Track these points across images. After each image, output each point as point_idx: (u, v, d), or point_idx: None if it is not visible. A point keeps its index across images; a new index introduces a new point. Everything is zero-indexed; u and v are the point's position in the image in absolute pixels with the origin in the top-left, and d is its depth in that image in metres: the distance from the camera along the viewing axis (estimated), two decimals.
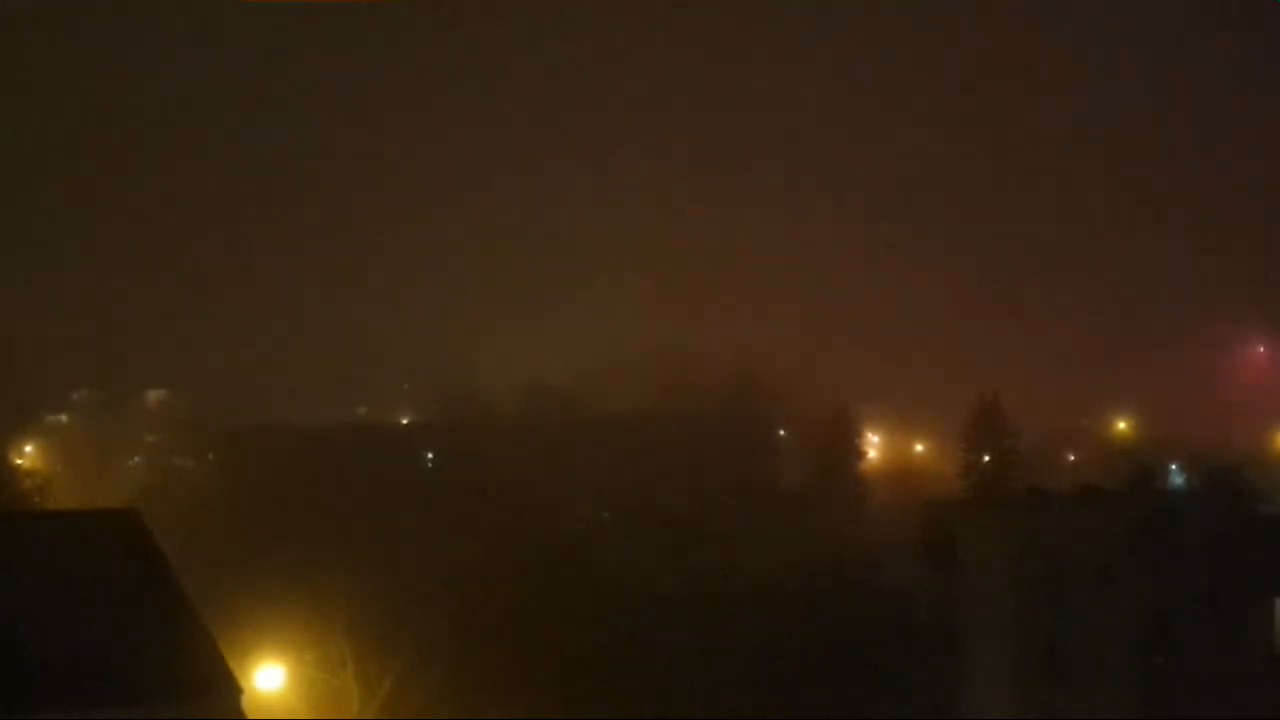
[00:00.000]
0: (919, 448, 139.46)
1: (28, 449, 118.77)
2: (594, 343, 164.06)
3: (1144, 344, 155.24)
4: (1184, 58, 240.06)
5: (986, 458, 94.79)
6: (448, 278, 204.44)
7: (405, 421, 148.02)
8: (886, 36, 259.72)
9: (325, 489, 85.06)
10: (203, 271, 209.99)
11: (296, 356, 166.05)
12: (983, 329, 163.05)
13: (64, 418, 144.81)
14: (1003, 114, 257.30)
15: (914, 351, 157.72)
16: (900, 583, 62.58)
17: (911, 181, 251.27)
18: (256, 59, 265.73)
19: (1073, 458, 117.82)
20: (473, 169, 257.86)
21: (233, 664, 29.47)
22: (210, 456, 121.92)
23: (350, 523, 73.27)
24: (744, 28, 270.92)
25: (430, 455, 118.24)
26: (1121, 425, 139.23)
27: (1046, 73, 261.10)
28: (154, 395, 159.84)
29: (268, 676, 41.62)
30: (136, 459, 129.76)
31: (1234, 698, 47.61)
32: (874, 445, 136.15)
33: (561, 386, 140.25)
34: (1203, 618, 49.29)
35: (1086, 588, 49.96)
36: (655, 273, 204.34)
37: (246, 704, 28.91)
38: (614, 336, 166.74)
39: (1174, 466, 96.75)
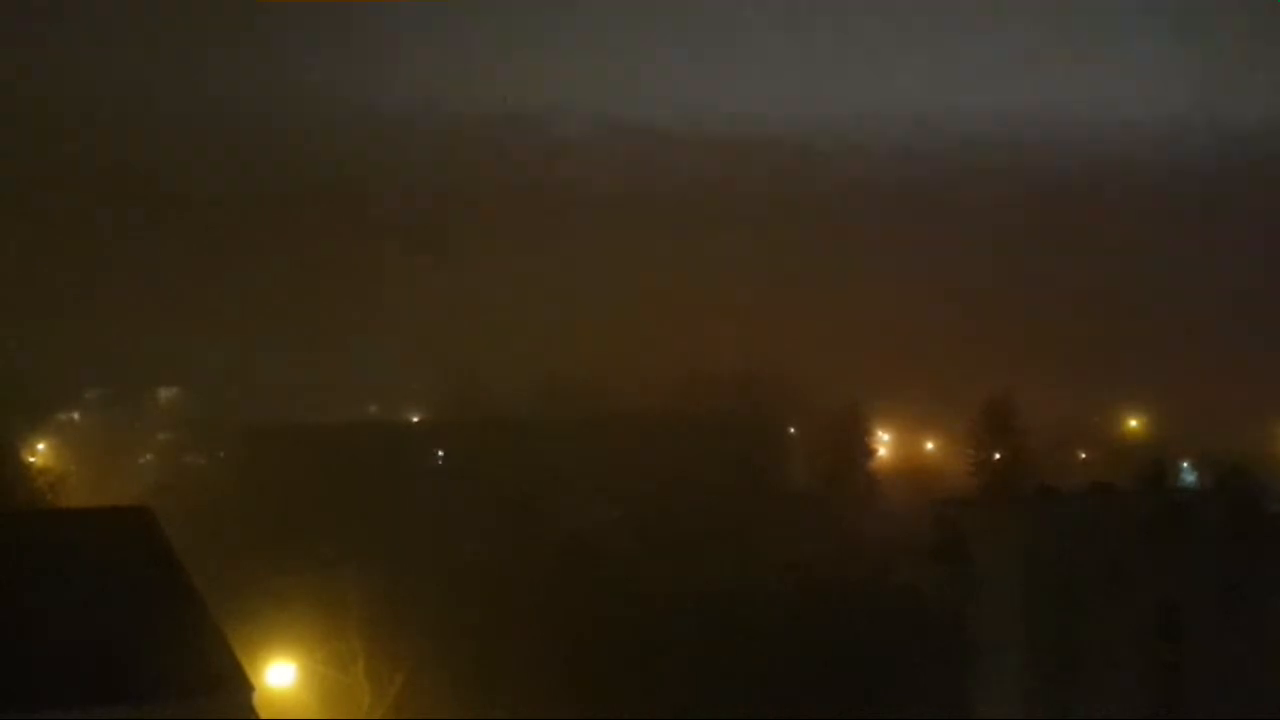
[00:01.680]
0: (929, 445, 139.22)
1: (40, 447, 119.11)
2: (604, 341, 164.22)
3: (1155, 341, 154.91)
4: (1193, 53, 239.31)
5: (997, 455, 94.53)
6: (458, 276, 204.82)
7: (416, 420, 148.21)
8: (891, 34, 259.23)
9: (336, 487, 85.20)
10: (214, 269, 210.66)
11: (307, 354, 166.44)
12: (993, 326, 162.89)
13: (76, 415, 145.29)
14: (1008, 111, 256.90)
15: (924, 349, 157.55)
16: (911, 581, 62.38)
17: (919, 179, 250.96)
18: (262, 57, 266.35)
19: (1084, 456, 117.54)
20: (481, 168, 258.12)
21: (244, 661, 29.52)
22: (221, 454, 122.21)
23: (361, 520, 73.38)
24: (748, 25, 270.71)
25: (441, 453, 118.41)
26: (1133, 423, 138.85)
27: (1054, 68, 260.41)
28: (166, 393, 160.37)
29: (279, 674, 41.71)
30: (148, 457, 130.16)
31: (1245, 694, 47.50)
32: (884, 443, 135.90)
33: (571, 385, 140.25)
34: (1214, 614, 49.20)
35: (1098, 585, 49.89)
36: (666, 271, 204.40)
37: (258, 701, 28.97)
38: (624, 335, 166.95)
39: (1185, 464, 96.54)
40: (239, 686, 27.65)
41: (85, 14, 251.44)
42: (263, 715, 29.59)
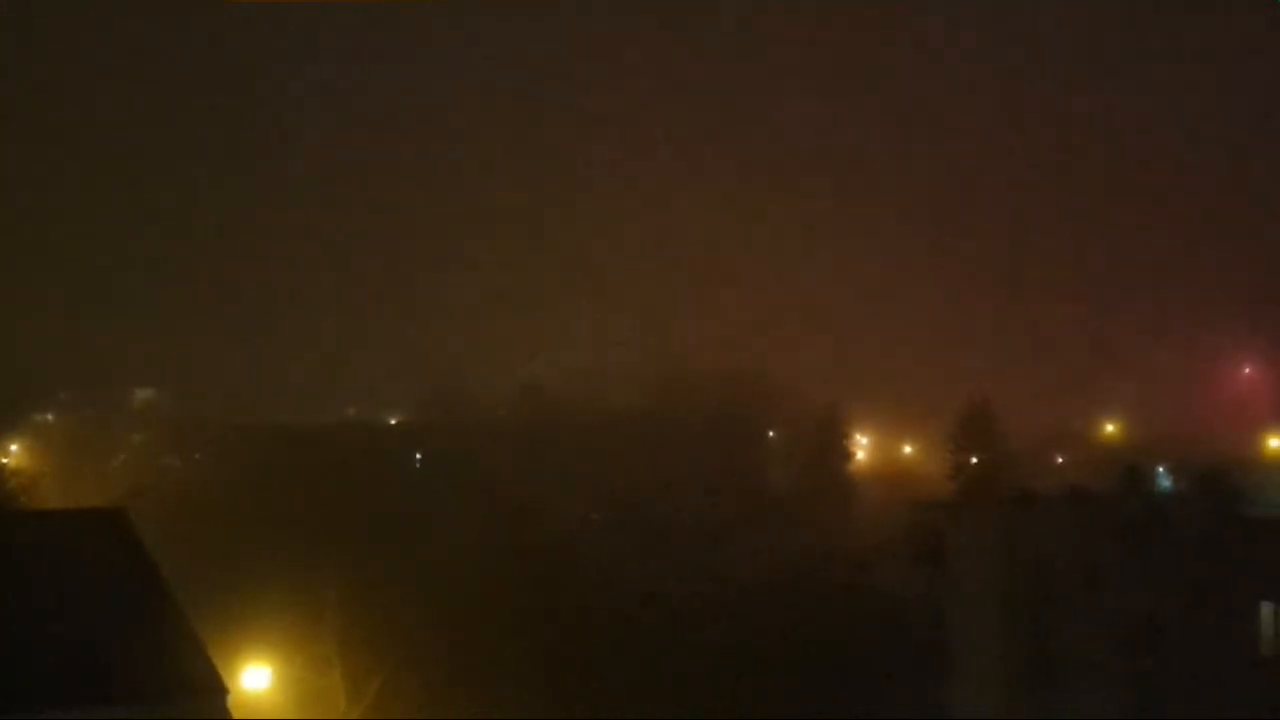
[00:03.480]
0: (908, 449, 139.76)
1: (13, 448, 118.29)
2: (584, 343, 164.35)
3: (1132, 346, 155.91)
4: (1178, 58, 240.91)
5: (975, 459, 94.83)
6: (438, 277, 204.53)
7: (394, 422, 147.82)
8: (877, 38, 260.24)
9: (313, 489, 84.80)
10: (190, 270, 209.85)
11: (284, 355, 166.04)
12: (972, 331, 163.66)
13: (50, 417, 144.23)
14: (992, 116, 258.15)
15: (903, 352, 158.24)
16: (889, 583, 62.56)
17: (901, 184, 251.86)
18: (245, 59, 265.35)
19: (1061, 460, 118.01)
20: (463, 170, 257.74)
21: (219, 664, 29.37)
22: (197, 456, 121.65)
23: (338, 523, 73.01)
24: (736, 32, 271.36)
25: (419, 456, 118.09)
26: (1110, 428, 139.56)
27: (1039, 76, 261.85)
28: (141, 394, 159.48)
29: (254, 677, 41.51)
30: (123, 458, 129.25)
31: (1220, 699, 47.69)
32: (863, 446, 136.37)
33: (551, 387, 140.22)
34: (1190, 619, 49.34)
35: (1074, 589, 50.00)
36: (646, 273, 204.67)
37: (233, 704, 28.81)
38: (604, 337, 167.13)
39: (1161, 469, 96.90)
40: (213, 689, 27.50)
41: (80, 13, 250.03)
42: (237, 718, 29.42)
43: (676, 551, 73.22)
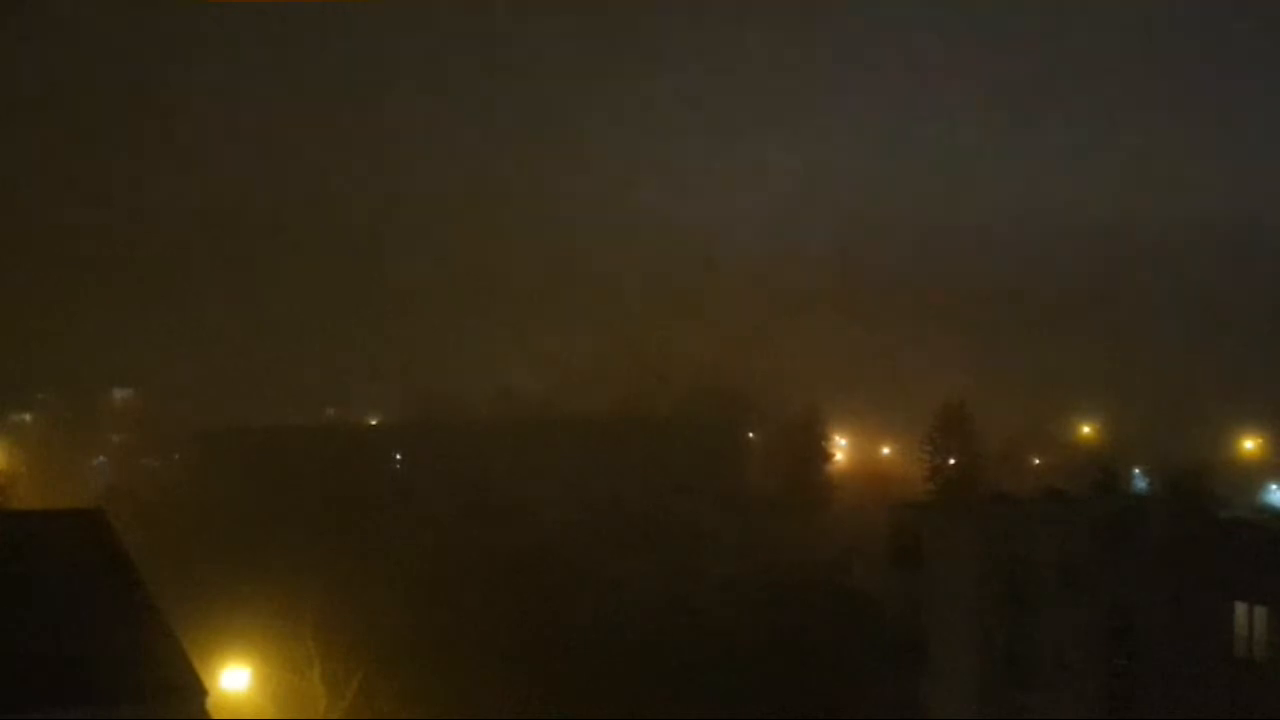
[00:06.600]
0: (885, 450, 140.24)
1: None
2: (565, 345, 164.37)
3: (1108, 350, 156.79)
4: (1158, 55, 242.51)
5: (953, 461, 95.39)
6: (418, 280, 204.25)
7: (373, 423, 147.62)
8: (857, 51, 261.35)
9: (292, 490, 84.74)
10: (170, 272, 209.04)
11: (264, 357, 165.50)
12: (949, 333, 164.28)
13: (28, 417, 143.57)
14: (964, 119, 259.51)
15: (881, 355, 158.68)
16: (867, 584, 62.90)
17: (879, 187, 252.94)
18: (232, 61, 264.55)
19: (1037, 461, 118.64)
20: (445, 174, 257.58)
21: (198, 665, 29.30)
22: (176, 457, 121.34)
23: (318, 524, 72.98)
24: (714, 41, 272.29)
25: (399, 456, 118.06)
26: (1085, 430, 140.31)
27: (1015, 79, 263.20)
28: (120, 395, 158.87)
29: (233, 678, 41.42)
30: (102, 459, 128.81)
31: (1194, 698, 48.15)
32: (841, 448, 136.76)
33: (532, 389, 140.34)
34: (1164, 620, 49.82)
35: (1051, 590, 50.38)
36: (627, 277, 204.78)
37: (211, 705, 28.77)
38: (585, 339, 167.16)
39: (1137, 471, 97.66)
40: (192, 690, 27.43)
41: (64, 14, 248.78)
42: (216, 719, 29.39)
43: (656, 552, 73.47)
